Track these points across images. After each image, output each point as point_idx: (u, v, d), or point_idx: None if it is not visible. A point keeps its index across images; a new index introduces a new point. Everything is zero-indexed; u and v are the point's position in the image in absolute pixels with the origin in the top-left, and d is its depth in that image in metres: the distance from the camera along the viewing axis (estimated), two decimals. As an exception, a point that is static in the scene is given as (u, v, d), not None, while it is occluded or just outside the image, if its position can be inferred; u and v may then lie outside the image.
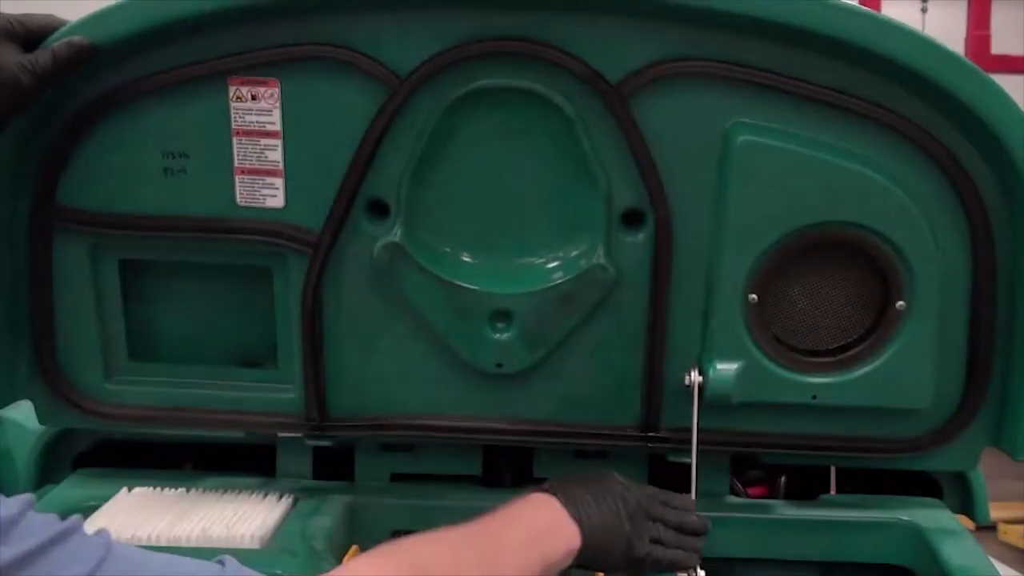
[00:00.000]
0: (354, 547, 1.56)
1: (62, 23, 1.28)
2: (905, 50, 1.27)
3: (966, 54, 5.58)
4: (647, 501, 1.31)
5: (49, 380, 1.52)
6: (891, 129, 1.33)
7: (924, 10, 6.27)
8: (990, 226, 1.37)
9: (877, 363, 1.42)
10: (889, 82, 1.31)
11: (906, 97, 1.32)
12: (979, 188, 1.36)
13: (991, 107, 1.28)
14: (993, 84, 1.29)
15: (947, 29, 5.96)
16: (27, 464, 1.83)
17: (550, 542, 1.21)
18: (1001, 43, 5.73)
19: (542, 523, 1.22)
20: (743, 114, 1.34)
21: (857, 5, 1.28)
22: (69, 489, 1.64)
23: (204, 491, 1.60)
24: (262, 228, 1.42)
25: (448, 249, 1.43)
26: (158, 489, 1.60)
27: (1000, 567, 1.48)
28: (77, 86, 1.34)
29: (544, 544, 1.20)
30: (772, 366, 1.43)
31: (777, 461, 1.68)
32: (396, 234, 1.40)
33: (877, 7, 5.93)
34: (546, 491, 1.27)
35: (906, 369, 1.43)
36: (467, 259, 1.44)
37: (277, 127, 1.37)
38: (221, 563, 0.96)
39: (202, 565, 0.95)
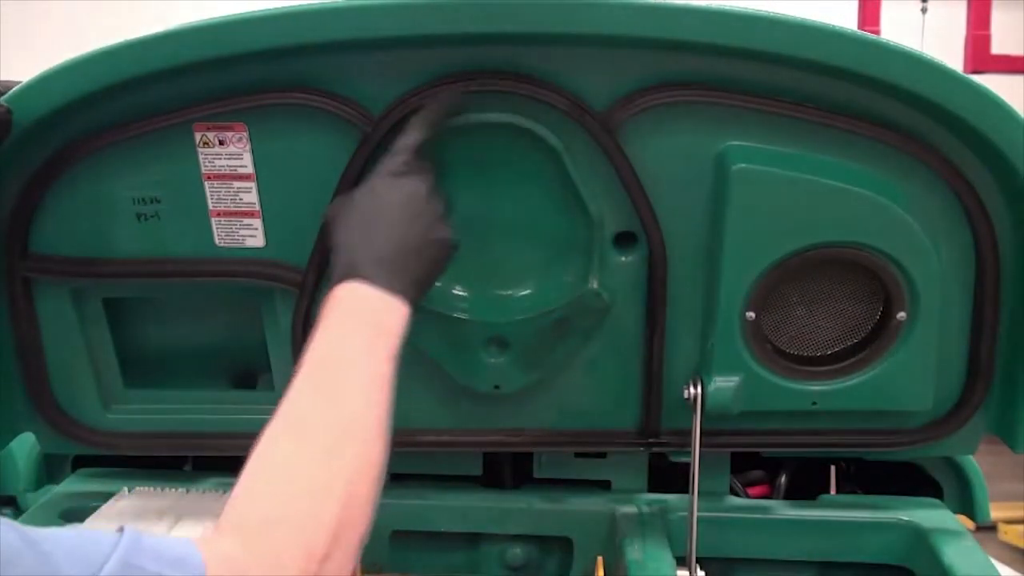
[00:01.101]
0: (354, 547, 1.56)
1: (12, 86, 1.26)
2: (896, 70, 1.23)
3: (966, 54, 5.59)
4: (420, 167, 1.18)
5: (47, 415, 1.51)
6: (886, 144, 1.31)
7: (924, 10, 6.26)
8: (994, 233, 1.36)
9: (877, 370, 1.42)
10: (881, 97, 1.28)
11: (900, 111, 1.29)
12: (981, 196, 1.34)
13: (988, 118, 1.26)
14: (988, 94, 1.26)
15: (947, 29, 5.95)
16: (27, 464, 1.84)
17: (385, 343, 1.05)
18: (1001, 43, 5.71)
19: (369, 330, 1.05)
20: (735, 137, 1.31)
21: (837, 27, 1.23)
22: (69, 489, 1.65)
23: (204, 491, 1.60)
24: (244, 268, 1.40)
25: (438, 282, 1.41)
26: (158, 489, 1.60)
27: (1000, 567, 1.48)
28: (40, 139, 1.31)
29: (381, 349, 1.04)
30: (771, 377, 1.42)
31: (777, 456, 1.68)
32: None
33: (877, 8, 5.92)
34: (352, 279, 1.07)
35: (907, 375, 1.42)
36: (458, 290, 1.42)
37: (250, 169, 1.34)
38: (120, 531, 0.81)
39: (83, 560, 0.75)
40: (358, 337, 1.04)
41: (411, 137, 1.20)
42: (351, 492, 0.94)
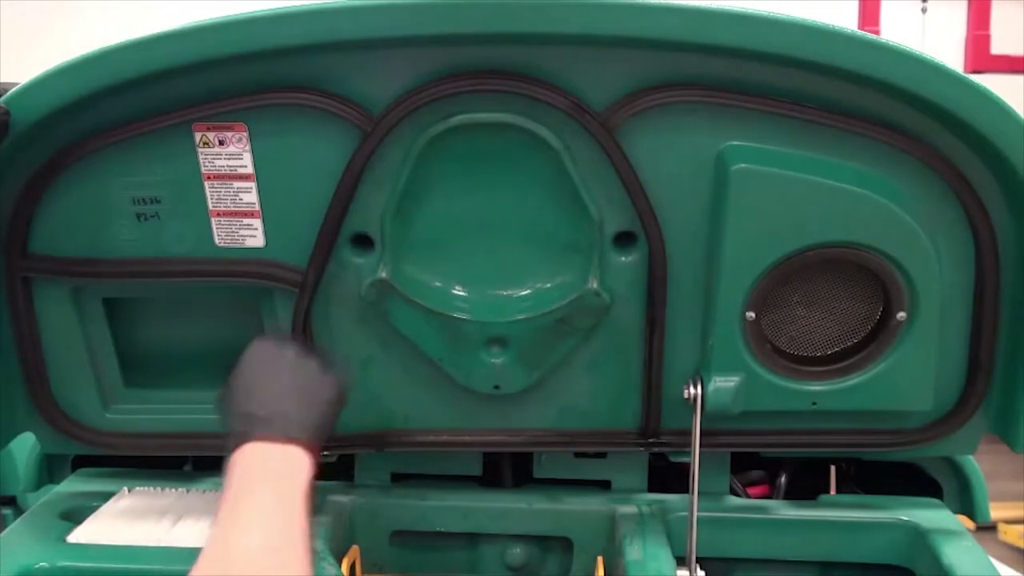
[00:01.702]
0: (354, 547, 1.57)
1: (8, 88, 1.26)
2: (896, 70, 1.23)
3: (966, 54, 5.60)
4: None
5: (47, 414, 1.52)
6: (886, 144, 1.31)
7: (924, 10, 6.27)
8: (994, 233, 1.36)
9: (877, 370, 1.42)
10: (881, 97, 1.28)
11: (900, 111, 1.29)
12: (981, 196, 1.34)
13: (988, 118, 1.26)
14: (988, 94, 1.25)
15: (947, 29, 5.95)
16: (27, 464, 1.84)
17: (290, 488, 1.08)
18: (1001, 43, 5.72)
19: (271, 481, 1.08)
20: (734, 137, 1.31)
21: (837, 27, 1.23)
22: (69, 489, 1.65)
23: (203, 491, 1.60)
24: (244, 268, 1.41)
25: (438, 283, 1.41)
26: (158, 489, 1.60)
27: (1000, 567, 1.48)
28: (40, 139, 1.31)
29: (287, 495, 1.07)
30: (771, 377, 1.42)
31: (777, 456, 1.68)
32: (383, 271, 1.37)
33: (877, 8, 5.93)
34: (246, 441, 1.12)
35: (906, 375, 1.42)
36: (458, 290, 1.41)
37: (250, 170, 1.34)
38: None
39: None
40: (262, 492, 1.06)
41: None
42: None
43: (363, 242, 1.40)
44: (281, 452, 1.11)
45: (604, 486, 1.66)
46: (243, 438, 1.12)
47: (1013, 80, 5.05)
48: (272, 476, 1.08)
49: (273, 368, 1.22)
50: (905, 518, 1.55)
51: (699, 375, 1.43)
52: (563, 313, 1.40)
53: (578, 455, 1.65)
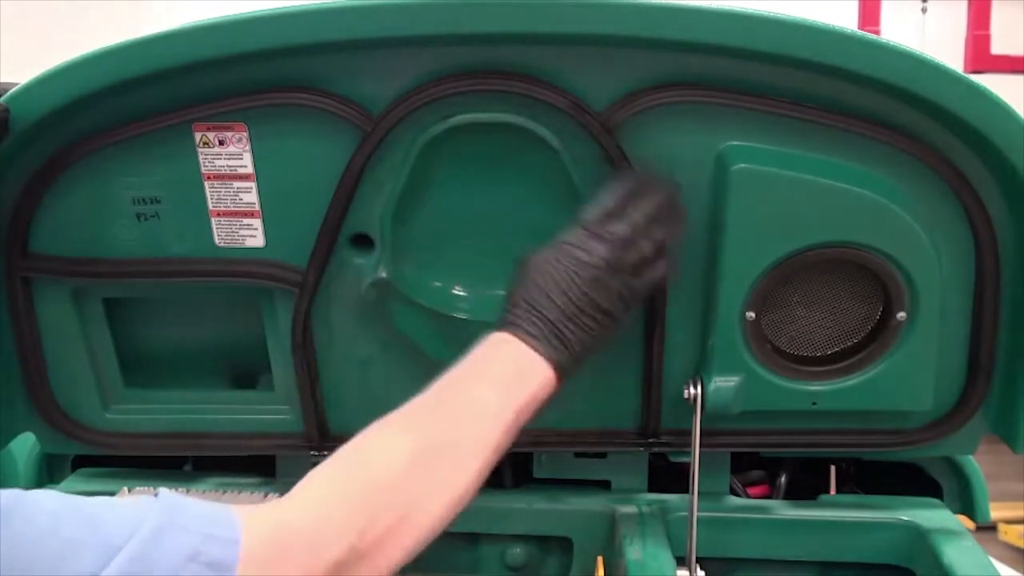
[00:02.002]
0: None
1: (8, 88, 1.26)
2: (896, 70, 1.23)
3: (966, 54, 5.60)
4: (605, 252, 1.14)
5: (46, 414, 1.52)
6: (886, 144, 1.31)
7: (924, 10, 6.28)
8: (994, 233, 1.36)
9: (877, 370, 1.42)
10: (881, 97, 1.28)
11: (900, 111, 1.29)
12: (981, 196, 1.34)
13: (988, 118, 1.25)
14: (988, 94, 1.25)
15: (947, 29, 5.96)
16: (27, 464, 1.83)
17: (515, 398, 1.06)
18: (1001, 43, 5.73)
19: (504, 382, 1.06)
20: (735, 137, 1.31)
21: (837, 27, 1.23)
22: (69, 489, 1.65)
23: (204, 491, 1.60)
24: (244, 268, 1.41)
25: (438, 283, 1.41)
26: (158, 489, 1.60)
27: (1000, 567, 1.48)
28: (40, 139, 1.31)
29: (509, 402, 1.05)
30: (771, 377, 1.42)
31: (777, 456, 1.68)
32: (383, 271, 1.37)
33: (877, 8, 5.93)
34: (507, 329, 1.10)
35: (907, 375, 1.42)
36: (459, 290, 1.42)
37: (250, 169, 1.34)
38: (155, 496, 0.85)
39: (125, 519, 0.79)
40: (492, 384, 1.04)
41: (612, 198, 1.17)
42: (423, 503, 0.96)
43: (363, 242, 1.40)
44: (520, 359, 1.06)
45: (604, 486, 1.66)
46: (500, 322, 1.08)
47: (1013, 80, 5.05)
48: (507, 381, 1.05)
49: (571, 268, 1.12)
50: (905, 518, 1.55)
51: (699, 375, 1.43)
52: None
53: (578, 455, 1.65)
